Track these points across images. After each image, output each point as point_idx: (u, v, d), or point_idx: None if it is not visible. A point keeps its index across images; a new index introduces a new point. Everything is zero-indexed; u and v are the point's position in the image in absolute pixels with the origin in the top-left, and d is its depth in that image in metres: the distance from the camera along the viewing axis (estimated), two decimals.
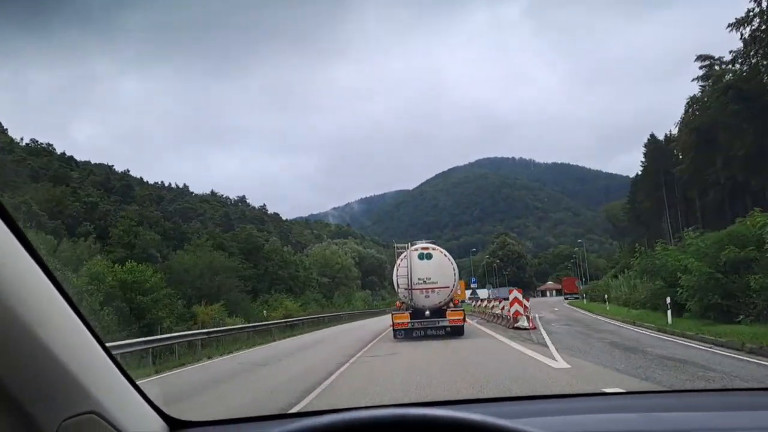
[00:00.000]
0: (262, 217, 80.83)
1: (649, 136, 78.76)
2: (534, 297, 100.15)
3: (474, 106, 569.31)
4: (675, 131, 72.16)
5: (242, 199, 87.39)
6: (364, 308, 61.71)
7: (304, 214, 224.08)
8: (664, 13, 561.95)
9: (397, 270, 18.85)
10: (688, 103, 53.69)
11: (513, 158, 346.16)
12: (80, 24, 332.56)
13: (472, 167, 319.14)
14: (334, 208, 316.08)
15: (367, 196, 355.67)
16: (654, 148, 76.07)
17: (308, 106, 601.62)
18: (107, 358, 1.21)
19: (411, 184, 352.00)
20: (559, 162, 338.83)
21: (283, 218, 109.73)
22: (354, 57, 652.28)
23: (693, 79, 53.08)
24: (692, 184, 56.00)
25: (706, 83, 51.41)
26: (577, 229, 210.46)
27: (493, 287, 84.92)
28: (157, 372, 13.91)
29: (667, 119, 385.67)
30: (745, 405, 1.96)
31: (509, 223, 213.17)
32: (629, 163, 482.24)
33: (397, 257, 19.38)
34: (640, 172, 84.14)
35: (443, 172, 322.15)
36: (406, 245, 19.37)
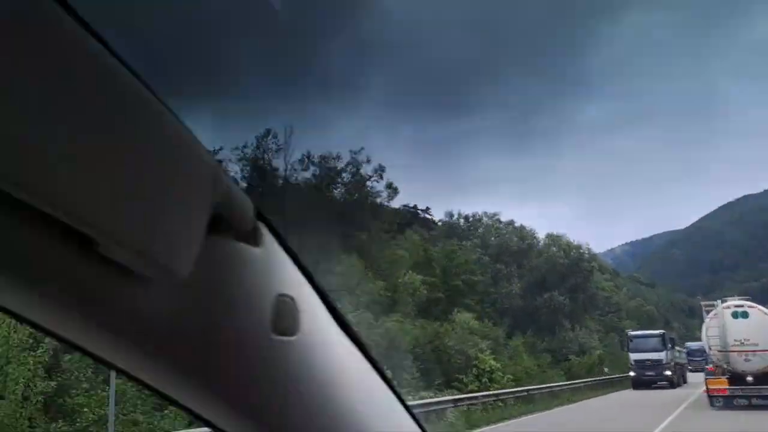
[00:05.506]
0: None
1: None
2: None
3: None
4: None
5: None
6: None
7: None
8: None
9: (707, 330, 18.14)
10: None
11: None
12: None
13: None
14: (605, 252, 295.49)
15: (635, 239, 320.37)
16: None
17: None
18: (411, 421, 0.83)
19: (682, 223, 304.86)
20: None
21: None
22: None
23: None
24: None
25: None
26: None
27: None
28: None
29: None
30: None
31: None
32: None
33: (706, 315, 18.71)
34: None
35: (729, 203, 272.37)
36: (715, 303, 18.71)
